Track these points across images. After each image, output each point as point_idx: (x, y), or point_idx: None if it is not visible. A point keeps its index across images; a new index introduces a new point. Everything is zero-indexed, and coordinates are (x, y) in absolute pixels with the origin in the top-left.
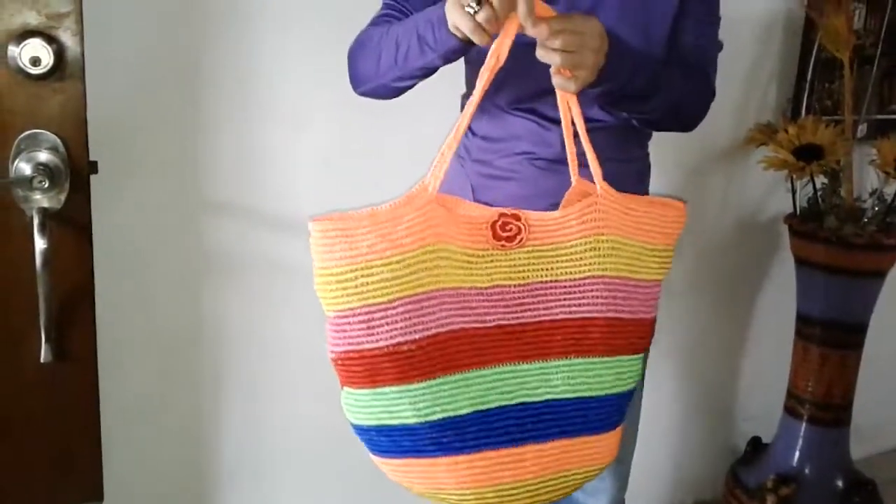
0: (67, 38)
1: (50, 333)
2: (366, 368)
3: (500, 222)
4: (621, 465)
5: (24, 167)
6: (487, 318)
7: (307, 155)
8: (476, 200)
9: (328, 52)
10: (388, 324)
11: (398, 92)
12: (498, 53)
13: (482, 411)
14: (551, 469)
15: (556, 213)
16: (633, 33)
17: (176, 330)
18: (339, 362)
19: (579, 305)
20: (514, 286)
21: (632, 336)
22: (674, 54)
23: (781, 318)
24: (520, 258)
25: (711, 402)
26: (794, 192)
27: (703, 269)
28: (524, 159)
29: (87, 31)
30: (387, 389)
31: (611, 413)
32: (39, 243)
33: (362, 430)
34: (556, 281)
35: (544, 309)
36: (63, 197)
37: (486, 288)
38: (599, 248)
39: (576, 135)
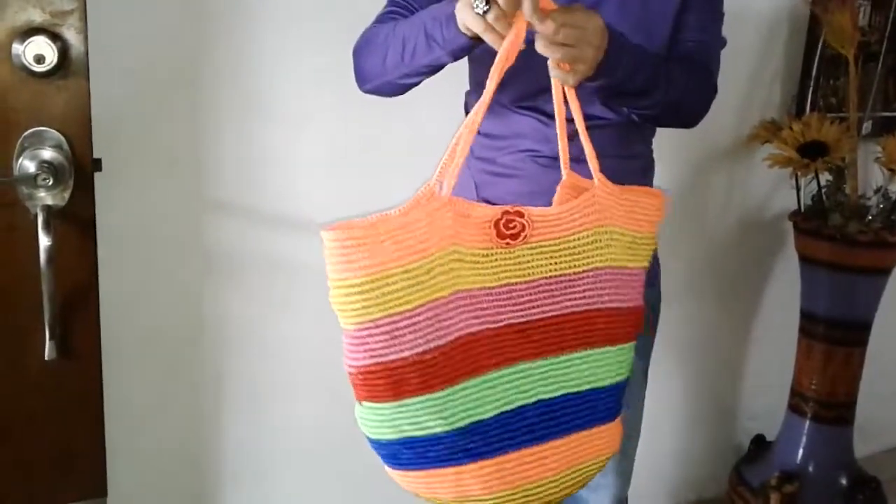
0: (71, 35)
1: (54, 331)
2: (389, 380)
3: (503, 220)
4: (624, 463)
5: (29, 165)
6: (499, 318)
7: (308, 154)
8: (479, 197)
9: (329, 52)
10: (412, 332)
11: (404, 89)
12: (508, 52)
13: (506, 412)
14: (568, 464)
15: (557, 208)
16: (634, 31)
17: (177, 328)
18: (361, 377)
19: (584, 298)
20: (521, 283)
21: (628, 324)
22: (676, 50)
23: (785, 316)
24: (524, 255)
25: (715, 399)
26: (798, 189)
27: (706, 266)
28: (527, 156)
29: (91, 28)
30: (411, 400)
31: (615, 402)
32: (43, 241)
33: (383, 445)
34: (560, 275)
35: (552, 304)
36: (67, 194)
37: (494, 287)
38: (600, 240)
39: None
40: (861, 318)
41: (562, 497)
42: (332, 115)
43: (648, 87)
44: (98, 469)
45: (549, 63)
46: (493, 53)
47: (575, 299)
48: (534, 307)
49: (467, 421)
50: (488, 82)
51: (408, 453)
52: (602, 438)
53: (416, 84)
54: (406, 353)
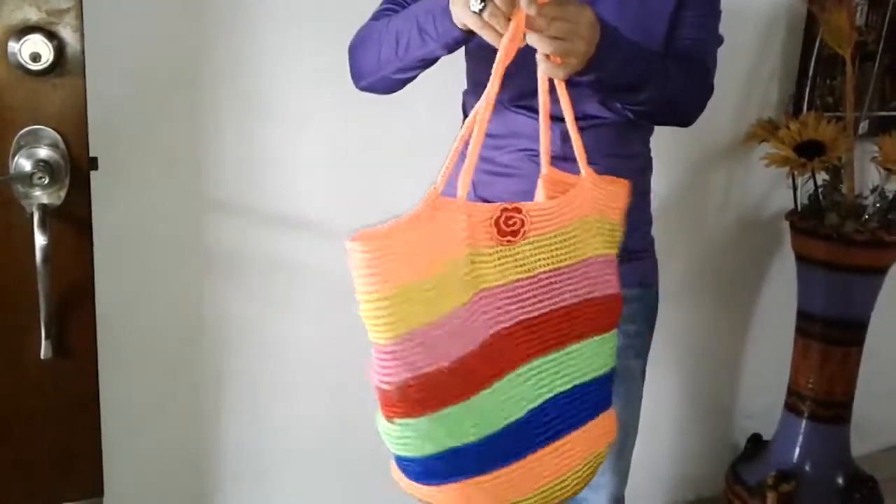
0: (68, 34)
1: (50, 330)
2: (428, 393)
3: (502, 217)
4: (622, 461)
5: (25, 163)
6: (511, 316)
7: (308, 154)
8: (476, 196)
9: (329, 52)
10: (447, 339)
11: (399, 84)
12: (508, 50)
13: (533, 410)
14: (580, 456)
15: (552, 202)
16: (631, 28)
17: (176, 328)
18: (398, 393)
19: (581, 288)
20: (525, 279)
21: (612, 312)
22: (673, 47)
23: (782, 315)
24: (524, 251)
25: (712, 398)
26: (795, 188)
27: (704, 265)
28: (525, 156)
29: (90, 28)
30: (449, 410)
31: (609, 390)
32: (39, 240)
33: (416, 462)
34: (558, 268)
35: (554, 297)
36: (63, 193)
37: (503, 286)
38: (589, 230)
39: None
40: (858, 318)
41: (574, 494)
42: (332, 115)
43: (641, 83)
44: (95, 469)
45: (538, 56)
46: (490, 51)
47: (573, 290)
48: (538, 302)
49: (503, 423)
50: (491, 82)
51: (441, 467)
52: (603, 427)
53: (411, 79)
54: (444, 363)
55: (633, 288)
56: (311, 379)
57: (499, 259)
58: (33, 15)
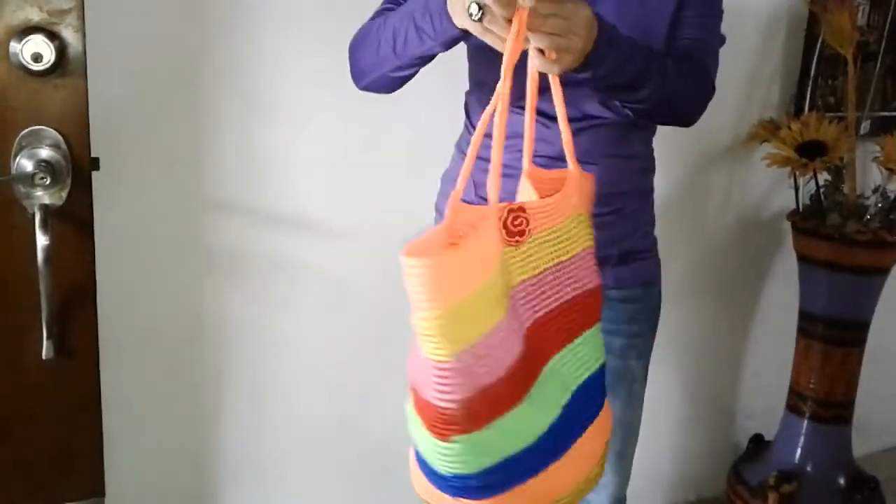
0: (69, 34)
1: (51, 330)
2: (488, 405)
3: (509, 218)
4: (623, 462)
5: (26, 164)
6: (528, 315)
7: (308, 154)
8: (477, 196)
9: (328, 51)
10: (499, 347)
11: (398, 82)
12: (513, 53)
13: (566, 405)
14: (599, 449)
15: (550, 199)
16: (632, 28)
17: (177, 328)
18: (460, 410)
19: (577, 281)
20: (532, 278)
21: (598, 304)
22: (674, 47)
23: (784, 315)
24: (529, 250)
25: (713, 398)
26: (796, 188)
27: (705, 265)
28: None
29: (91, 28)
30: (506, 417)
31: (604, 384)
32: (41, 240)
33: (472, 478)
34: (560, 262)
35: (559, 293)
36: (65, 194)
37: (521, 284)
38: (582, 223)
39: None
40: (859, 318)
41: (593, 488)
42: (332, 115)
43: (640, 81)
44: (96, 469)
45: (532, 51)
46: (491, 51)
47: (576, 282)
48: (546, 298)
49: (552, 418)
50: (501, 82)
51: (498, 477)
52: (607, 419)
53: (410, 77)
54: (501, 372)
55: (634, 288)
56: (311, 379)
57: (512, 259)
58: (35, 15)
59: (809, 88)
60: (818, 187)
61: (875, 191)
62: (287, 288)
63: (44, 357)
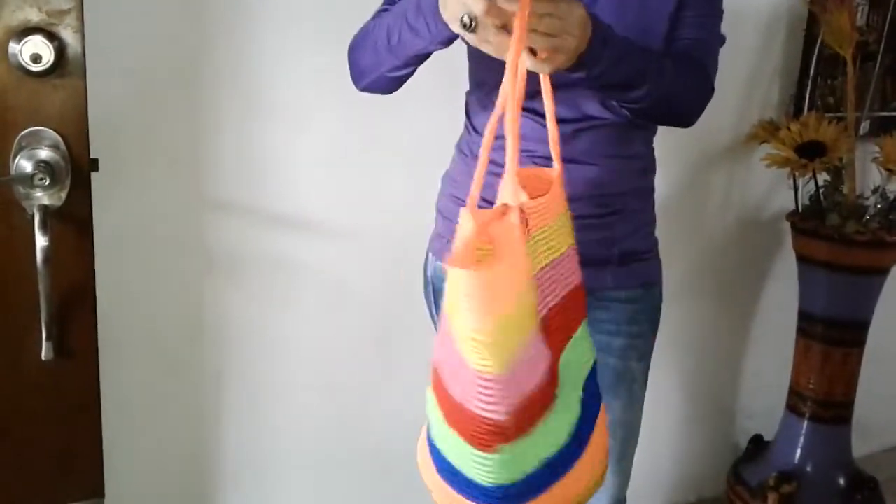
0: (68, 35)
1: (51, 331)
2: (532, 412)
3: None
4: (623, 463)
5: (25, 164)
6: (540, 315)
7: (308, 154)
8: (482, 199)
9: (328, 52)
10: (536, 352)
11: (397, 83)
12: (515, 59)
13: (583, 400)
14: (605, 443)
15: (544, 198)
16: (631, 28)
17: (177, 328)
18: (509, 420)
19: (569, 277)
20: (535, 276)
21: (584, 299)
22: (674, 47)
23: (783, 316)
24: (530, 248)
25: (713, 399)
26: (796, 189)
27: (704, 266)
28: (525, 157)
29: (91, 28)
30: (544, 420)
31: (597, 381)
32: (40, 240)
33: (515, 486)
34: (553, 261)
35: (557, 290)
36: (64, 194)
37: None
38: (567, 220)
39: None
40: (859, 318)
41: (597, 490)
42: (332, 115)
43: (636, 81)
44: (96, 469)
45: (524, 51)
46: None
47: (562, 282)
48: (547, 297)
49: (574, 419)
50: (510, 84)
51: (536, 481)
52: (603, 416)
53: (408, 76)
54: (538, 377)
55: (635, 289)
56: (311, 379)
57: None
58: (34, 16)
59: (809, 89)
60: (818, 188)
61: (874, 191)
62: (287, 288)
63: (43, 358)
